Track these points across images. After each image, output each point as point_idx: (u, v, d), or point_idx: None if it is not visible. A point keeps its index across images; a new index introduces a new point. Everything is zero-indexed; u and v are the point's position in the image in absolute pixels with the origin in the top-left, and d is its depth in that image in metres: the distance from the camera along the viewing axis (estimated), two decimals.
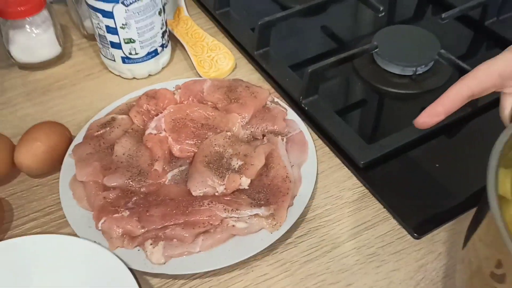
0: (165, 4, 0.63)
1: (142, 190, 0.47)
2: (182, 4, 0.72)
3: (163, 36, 0.63)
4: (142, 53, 0.61)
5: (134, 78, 0.64)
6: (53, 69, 0.66)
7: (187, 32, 0.68)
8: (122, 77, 0.64)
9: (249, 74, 0.64)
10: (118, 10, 0.56)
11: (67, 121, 0.57)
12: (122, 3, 0.56)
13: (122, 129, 0.52)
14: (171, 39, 0.67)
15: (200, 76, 0.63)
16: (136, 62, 0.62)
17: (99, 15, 0.57)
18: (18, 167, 0.51)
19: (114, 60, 0.62)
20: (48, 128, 0.53)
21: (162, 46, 0.63)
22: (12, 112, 0.60)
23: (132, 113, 0.53)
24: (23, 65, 0.65)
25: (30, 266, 0.42)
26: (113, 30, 0.58)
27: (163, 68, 0.65)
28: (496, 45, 0.66)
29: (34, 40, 0.63)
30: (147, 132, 0.51)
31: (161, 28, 0.62)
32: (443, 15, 0.63)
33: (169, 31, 0.66)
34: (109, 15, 0.57)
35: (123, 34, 0.59)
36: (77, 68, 0.66)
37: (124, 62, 0.62)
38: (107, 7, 0.56)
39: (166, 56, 0.65)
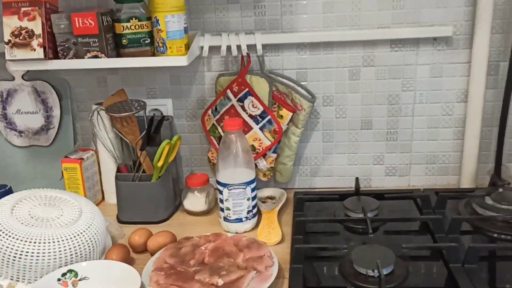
0: (254, 200, 1.14)
1: (178, 269, 0.95)
2: (276, 209, 1.22)
3: (248, 213, 1.13)
4: (233, 217, 1.12)
5: (228, 232, 1.14)
6: (200, 216, 1.23)
7: (268, 218, 1.16)
8: (224, 230, 1.15)
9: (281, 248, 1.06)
10: (225, 191, 1.11)
11: (181, 235, 1.10)
12: (227, 188, 1.11)
13: (191, 243, 1.02)
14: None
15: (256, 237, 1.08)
16: (229, 222, 1.13)
17: (219, 192, 1.13)
18: (148, 248, 1.06)
19: (221, 218, 1.15)
20: (169, 233, 1.07)
21: (247, 218, 1.13)
22: (170, 225, 1.18)
23: (200, 240, 1.03)
24: (188, 211, 1.24)
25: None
26: (221, 200, 1.13)
27: (245, 231, 1.14)
28: None
29: (196, 199, 1.23)
30: (201, 248, 1.00)
31: (248, 207, 1.12)
32: (403, 245, 0.94)
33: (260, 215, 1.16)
34: (221, 193, 1.12)
35: (225, 203, 1.12)
36: (214, 218, 1.21)
37: (224, 220, 1.14)
38: (221, 189, 1.11)
39: (249, 225, 1.14)
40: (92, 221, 1.02)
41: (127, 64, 1.14)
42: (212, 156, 1.30)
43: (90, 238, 0.99)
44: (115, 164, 1.24)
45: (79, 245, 0.97)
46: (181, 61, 1.12)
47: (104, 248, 1.04)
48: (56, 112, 1.31)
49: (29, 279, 0.93)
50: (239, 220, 1.12)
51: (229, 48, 1.21)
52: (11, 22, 1.10)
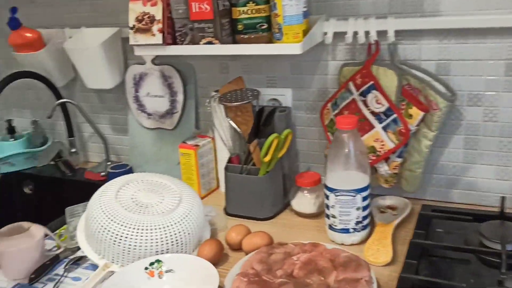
0: (368, 209, 0.99)
1: (263, 277, 0.87)
2: (394, 223, 1.05)
3: (356, 224, 0.99)
4: (339, 227, 1.00)
5: (333, 241, 1.02)
6: (308, 219, 1.13)
7: (382, 232, 1.00)
8: (330, 239, 1.03)
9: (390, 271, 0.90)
10: (331, 197, 0.99)
11: (282, 237, 1.02)
12: (334, 194, 0.98)
13: (284, 250, 0.93)
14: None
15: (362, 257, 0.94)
16: (335, 231, 1.01)
17: (325, 197, 1.01)
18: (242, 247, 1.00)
19: (327, 225, 1.03)
20: (265, 235, 1.00)
21: (354, 229, 0.99)
22: (275, 224, 1.10)
23: (295, 248, 0.93)
24: (296, 211, 1.15)
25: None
26: (327, 206, 1.01)
27: (352, 244, 1.00)
28: None
29: (305, 200, 1.13)
30: (293, 258, 0.90)
31: (356, 218, 0.98)
32: None
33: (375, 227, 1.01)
34: (327, 198, 1.00)
35: (330, 210, 1.00)
36: (322, 223, 1.10)
37: (329, 228, 1.02)
38: (328, 193, 0.99)
39: (356, 238, 1.00)
40: (189, 212, 0.99)
41: (239, 51, 1.08)
42: None
43: (185, 229, 0.97)
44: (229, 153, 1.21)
45: (172, 235, 0.95)
46: (295, 49, 1.02)
47: (199, 240, 1.01)
48: (180, 97, 1.32)
49: (122, 262, 0.94)
50: (346, 230, 0.99)
51: (356, 34, 1.07)
52: (136, 8, 1.12)
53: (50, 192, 1.53)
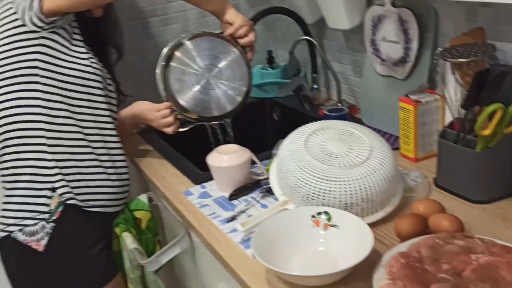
0: None
1: (424, 266, 0.76)
2: None
3: None
4: None
5: None
6: None
7: None
8: None
9: None
10: None
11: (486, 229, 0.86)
12: None
13: (465, 244, 0.78)
14: None
15: None
16: None
17: None
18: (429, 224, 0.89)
19: None
20: (456, 220, 0.86)
21: None
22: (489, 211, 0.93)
23: (479, 246, 0.77)
24: None
25: None
26: None
27: None
28: None
29: None
30: (471, 257, 0.75)
31: None
32: None
33: None
34: None
35: None
36: None
37: None
38: None
39: None
40: (377, 169, 0.93)
41: None
42: None
43: (369, 186, 0.92)
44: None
45: (354, 190, 0.91)
46: None
47: (384, 202, 0.94)
48: (414, 44, 1.18)
49: (299, 205, 0.97)
50: None
51: None
52: None
53: (292, 121, 1.65)
